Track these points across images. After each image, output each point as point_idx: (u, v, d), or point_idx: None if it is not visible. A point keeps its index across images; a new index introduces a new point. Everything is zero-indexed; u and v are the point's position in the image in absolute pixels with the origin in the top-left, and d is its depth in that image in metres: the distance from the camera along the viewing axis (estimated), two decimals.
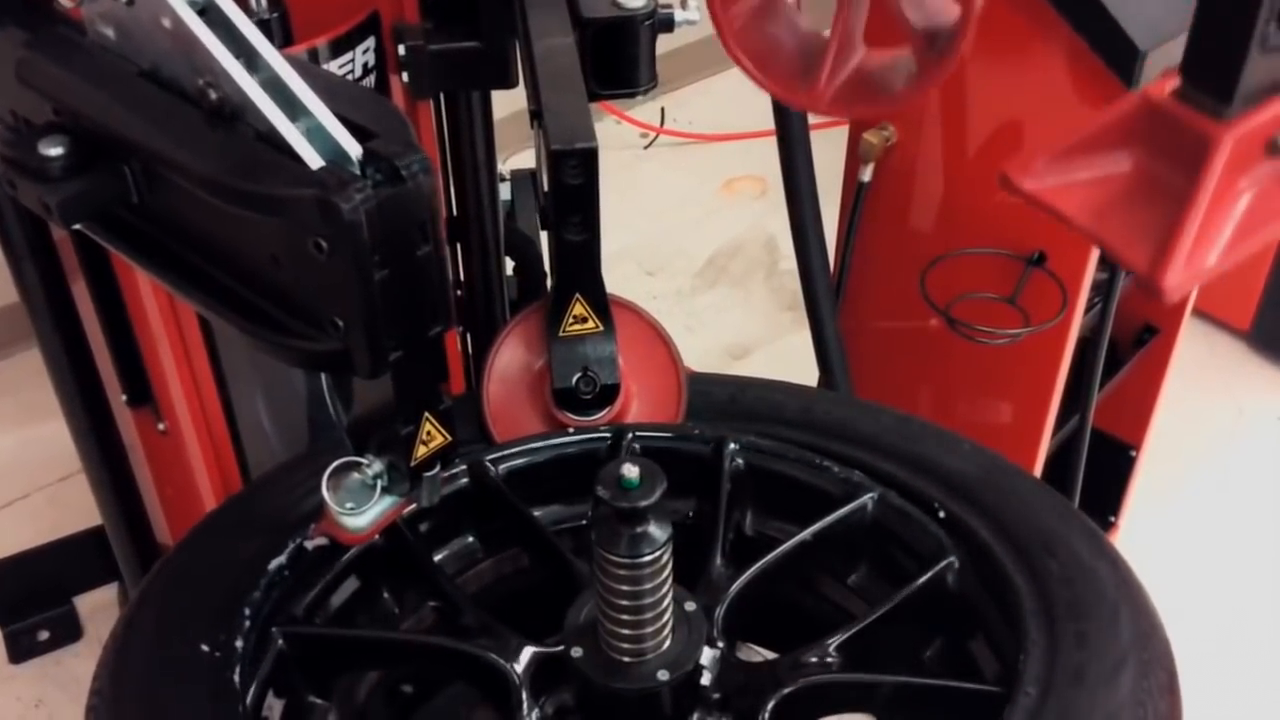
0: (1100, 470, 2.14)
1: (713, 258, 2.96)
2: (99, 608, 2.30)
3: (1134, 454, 2.23)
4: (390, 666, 1.06)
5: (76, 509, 2.35)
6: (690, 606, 0.95)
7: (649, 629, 0.88)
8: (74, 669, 2.23)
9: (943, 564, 1.02)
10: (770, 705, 0.93)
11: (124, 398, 1.67)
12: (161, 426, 1.66)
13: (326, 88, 0.88)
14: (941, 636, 1.05)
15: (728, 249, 3.06)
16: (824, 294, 1.67)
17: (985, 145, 1.67)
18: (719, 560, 1.06)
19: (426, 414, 0.96)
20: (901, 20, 1.03)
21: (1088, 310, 1.76)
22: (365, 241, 0.83)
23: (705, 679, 0.94)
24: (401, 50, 1.40)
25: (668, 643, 0.91)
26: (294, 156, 0.84)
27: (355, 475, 0.98)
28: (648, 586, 0.86)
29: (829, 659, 0.98)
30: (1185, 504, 2.36)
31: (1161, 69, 1.47)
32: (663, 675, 0.90)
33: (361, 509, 0.97)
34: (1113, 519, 2.31)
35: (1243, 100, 0.79)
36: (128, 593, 2.26)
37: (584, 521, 1.15)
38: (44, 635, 2.25)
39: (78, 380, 1.68)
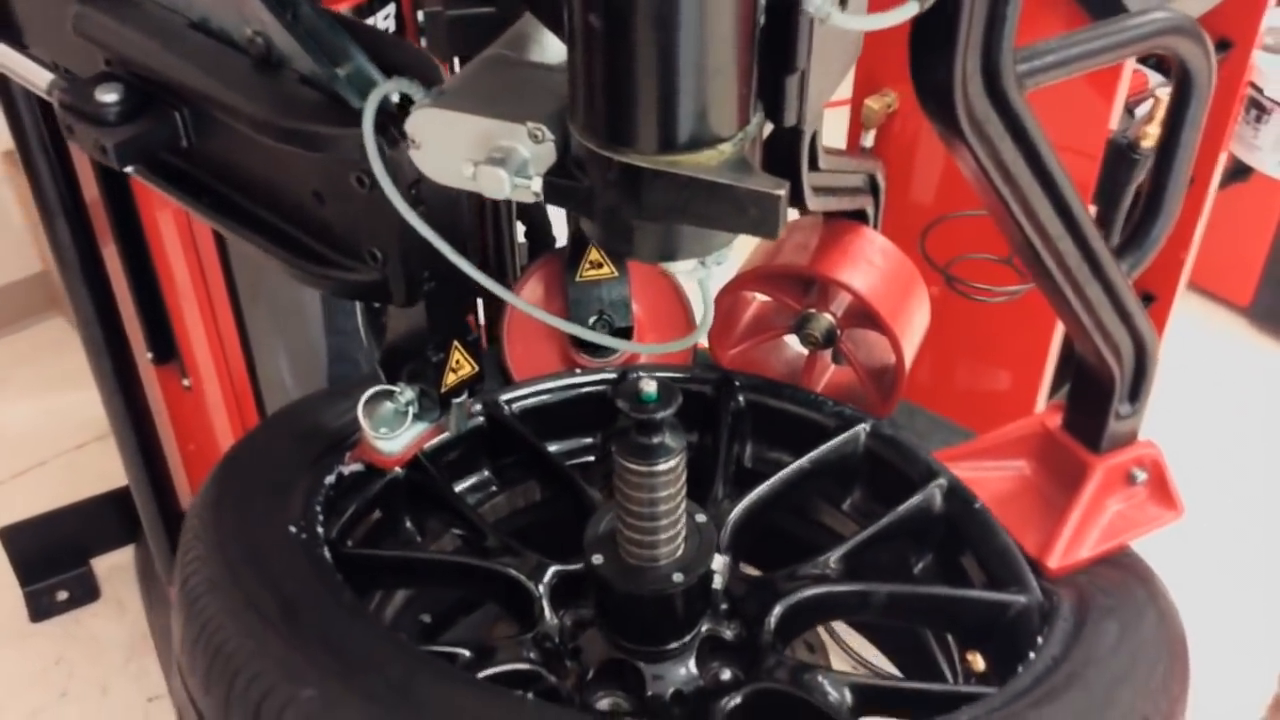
0: None
1: None
2: (116, 569, 2.36)
3: None
4: (420, 585, 1.13)
5: (93, 475, 2.41)
6: (701, 518, 1.01)
7: (664, 535, 0.95)
8: (92, 628, 2.29)
9: (933, 484, 1.09)
10: (777, 612, 0.99)
11: (150, 356, 1.73)
12: (186, 382, 1.72)
13: (363, 37, 0.94)
14: (932, 552, 1.12)
15: None
16: None
17: None
18: (721, 488, 1.13)
19: (456, 343, 1.03)
20: (852, 359, 1.26)
21: None
22: (405, 174, 0.90)
23: (717, 583, 1.00)
24: (420, 16, 1.47)
25: (681, 549, 0.98)
26: (337, 98, 0.91)
27: (388, 404, 1.05)
28: (663, 494, 0.92)
29: (828, 572, 1.05)
30: (1180, 475, 2.41)
31: None
32: (678, 578, 0.96)
33: (395, 434, 1.04)
34: None
35: (1110, 443, 1.09)
36: (145, 554, 2.33)
37: (591, 457, 1.21)
38: (63, 595, 2.30)
39: (106, 337, 1.74)
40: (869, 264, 1.23)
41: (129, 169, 1.03)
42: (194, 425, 1.79)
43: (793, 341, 1.33)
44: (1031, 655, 0.96)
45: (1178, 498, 1.12)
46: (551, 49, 0.83)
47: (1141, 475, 1.11)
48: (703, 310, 0.81)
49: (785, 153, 0.97)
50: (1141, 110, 1.75)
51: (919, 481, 1.10)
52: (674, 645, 1.00)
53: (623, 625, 1.00)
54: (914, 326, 1.27)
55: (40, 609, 2.29)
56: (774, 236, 0.73)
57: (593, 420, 1.19)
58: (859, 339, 1.27)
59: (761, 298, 1.30)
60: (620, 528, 0.95)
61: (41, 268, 2.87)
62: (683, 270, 0.79)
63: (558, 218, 1.67)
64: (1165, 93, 1.72)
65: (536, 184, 0.76)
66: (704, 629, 1.02)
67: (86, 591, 2.33)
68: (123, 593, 2.33)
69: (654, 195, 0.73)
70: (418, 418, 1.05)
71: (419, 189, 0.92)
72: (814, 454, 1.13)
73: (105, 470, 2.40)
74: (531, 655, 0.98)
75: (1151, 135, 1.64)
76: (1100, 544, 1.07)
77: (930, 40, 0.83)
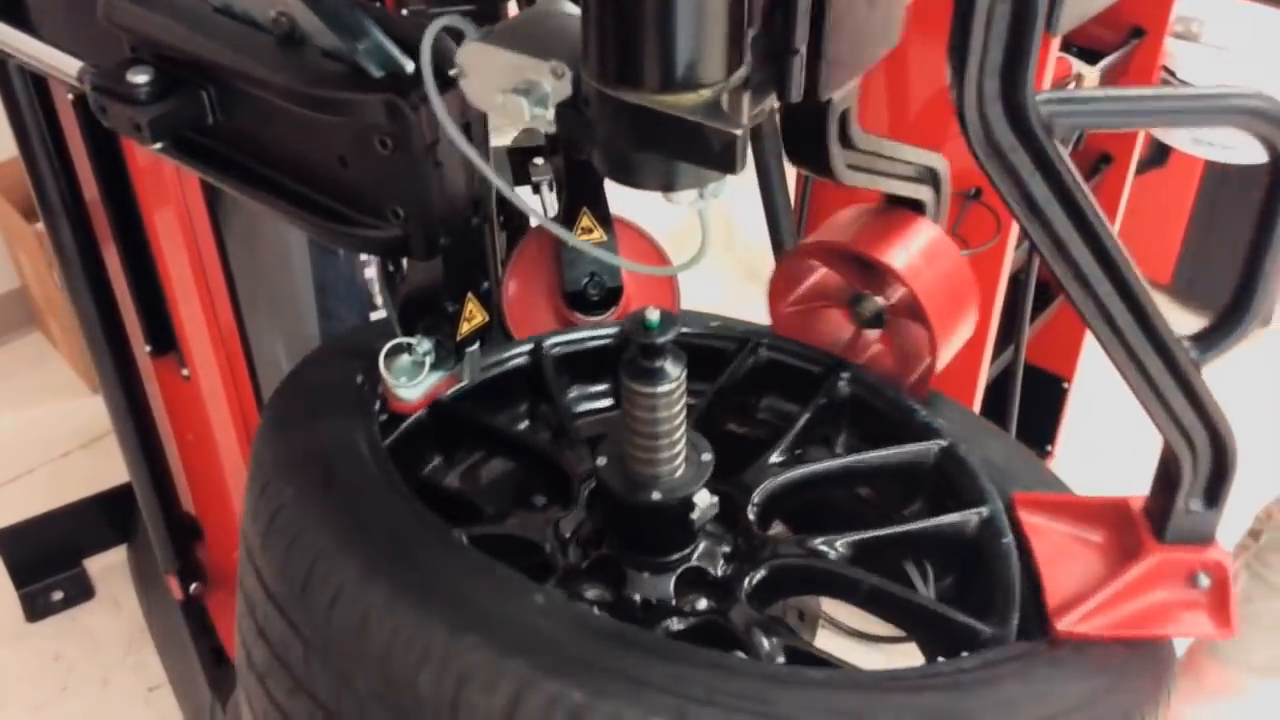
0: (1035, 402, 2.33)
1: (676, 234, 3.15)
2: (109, 569, 2.42)
3: (1066, 386, 2.43)
4: (489, 451, 1.22)
5: (79, 481, 2.48)
6: (706, 457, 1.09)
7: (659, 455, 1.03)
8: (89, 625, 2.35)
9: (972, 510, 1.10)
10: (763, 568, 1.07)
11: (148, 349, 1.81)
12: (185, 372, 1.80)
13: (375, 16, 1.04)
14: (954, 576, 1.14)
15: (689, 227, 3.24)
16: (787, 231, 1.83)
17: (926, 105, 1.86)
18: (777, 454, 1.17)
19: (470, 294, 1.13)
20: (889, 344, 1.29)
21: (1018, 246, 1.94)
22: (424, 136, 0.99)
23: (694, 514, 1.07)
24: (405, 14, 1.57)
25: (674, 474, 1.05)
26: (359, 69, 1.01)
27: (406, 356, 1.14)
28: (662, 415, 1.01)
29: (832, 551, 1.09)
30: (1115, 444, 2.54)
31: (1074, 18, 1.67)
32: (655, 495, 1.04)
33: (414, 383, 1.13)
34: (1049, 448, 2.51)
35: (1175, 535, 1.01)
36: (138, 553, 2.39)
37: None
38: (58, 595, 2.37)
39: (107, 334, 1.82)
40: (941, 278, 1.23)
41: (159, 145, 1.11)
42: (192, 415, 1.87)
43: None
44: (940, 659, 0.99)
45: (1234, 618, 1.04)
46: None
47: (1205, 581, 1.03)
48: (701, 238, 0.91)
49: (812, 125, 1.07)
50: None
51: (966, 505, 1.12)
52: (658, 560, 1.08)
53: (612, 527, 1.09)
54: (958, 334, 1.27)
55: (36, 609, 2.36)
56: (732, 172, 0.82)
57: (708, 368, 1.26)
58: (903, 327, 1.29)
59: (825, 270, 1.32)
60: (625, 444, 1.05)
61: (19, 284, 2.92)
62: (684, 201, 0.88)
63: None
64: (1089, 70, 1.86)
65: (551, 114, 0.86)
66: (695, 558, 1.09)
67: (81, 591, 2.40)
68: (117, 591, 2.39)
69: (638, 127, 0.83)
70: (434, 367, 1.14)
71: (435, 151, 1.02)
72: (871, 455, 1.17)
73: (91, 476, 2.48)
74: (544, 531, 1.08)
75: None
76: (1126, 629, 1.02)
77: (952, 47, 0.86)
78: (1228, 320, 0.96)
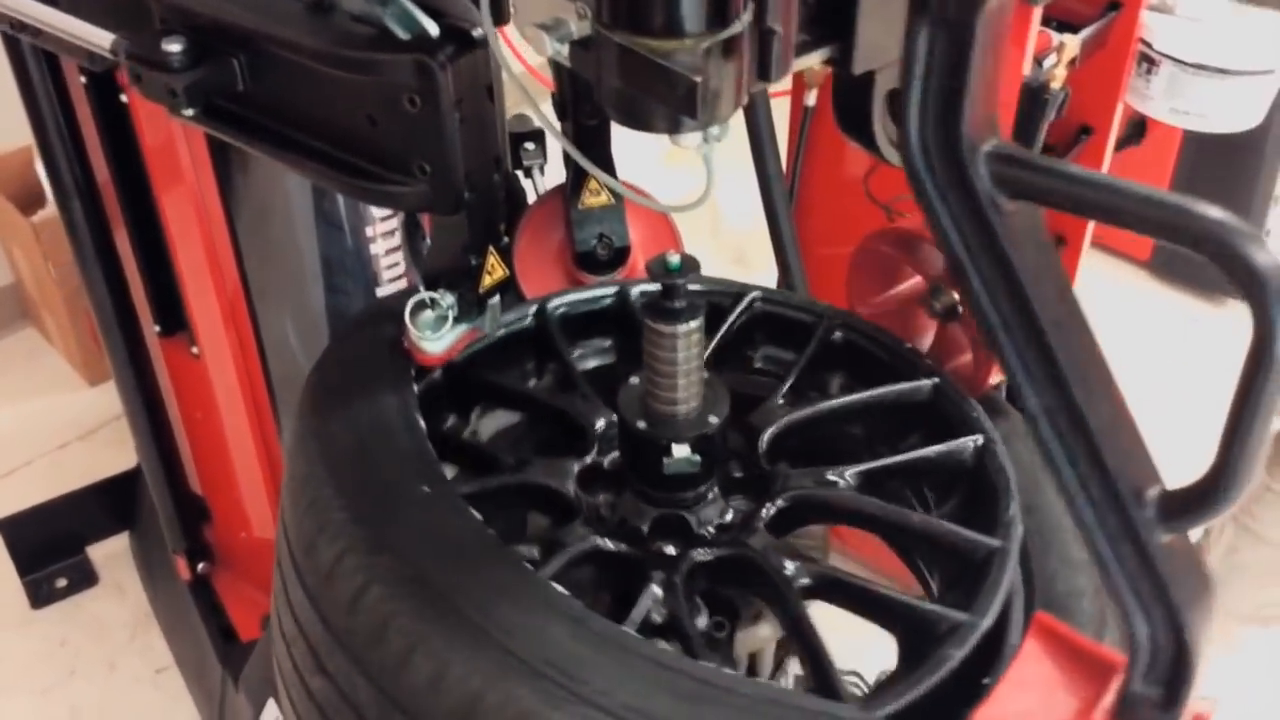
0: None
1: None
2: (112, 556, 2.45)
3: None
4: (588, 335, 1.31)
5: (78, 471, 2.51)
6: (714, 419, 1.13)
7: (670, 394, 1.10)
8: (94, 610, 2.38)
9: (967, 615, 1.02)
10: (713, 552, 1.09)
11: (157, 329, 1.84)
12: (195, 350, 1.83)
13: None
14: (912, 660, 1.05)
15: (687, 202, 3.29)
16: (780, 199, 1.88)
17: None
18: (833, 474, 1.16)
19: (491, 248, 1.18)
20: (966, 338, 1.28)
21: None
22: (450, 94, 1.05)
23: (666, 459, 1.11)
24: None
25: (668, 417, 1.11)
26: (386, 31, 1.06)
27: (430, 311, 1.19)
28: (682, 355, 1.07)
29: (799, 577, 1.07)
30: None
31: None
32: (640, 424, 1.11)
33: (438, 336, 1.18)
34: None
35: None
36: (142, 539, 2.42)
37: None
38: (62, 582, 2.40)
39: (119, 317, 1.85)
40: None
41: (191, 112, 1.16)
42: (201, 394, 1.90)
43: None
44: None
45: None
46: None
47: None
48: (707, 180, 0.96)
49: (859, 98, 1.11)
50: (1048, 62, 1.94)
51: (976, 610, 1.04)
52: (649, 491, 1.14)
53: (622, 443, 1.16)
54: None
55: (40, 596, 2.38)
56: (692, 116, 0.87)
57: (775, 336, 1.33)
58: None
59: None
60: (645, 380, 1.11)
61: (13, 279, 2.95)
62: (690, 145, 0.93)
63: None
64: (1070, 38, 1.92)
65: (567, 49, 0.91)
66: (687, 509, 1.14)
67: (84, 577, 2.42)
68: (121, 577, 2.42)
69: (625, 67, 0.88)
70: (458, 320, 1.19)
71: (460, 109, 1.07)
72: (930, 524, 1.14)
73: (89, 466, 2.51)
74: (595, 423, 1.18)
75: (1059, 77, 1.83)
76: None
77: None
78: (1204, 493, 0.79)
